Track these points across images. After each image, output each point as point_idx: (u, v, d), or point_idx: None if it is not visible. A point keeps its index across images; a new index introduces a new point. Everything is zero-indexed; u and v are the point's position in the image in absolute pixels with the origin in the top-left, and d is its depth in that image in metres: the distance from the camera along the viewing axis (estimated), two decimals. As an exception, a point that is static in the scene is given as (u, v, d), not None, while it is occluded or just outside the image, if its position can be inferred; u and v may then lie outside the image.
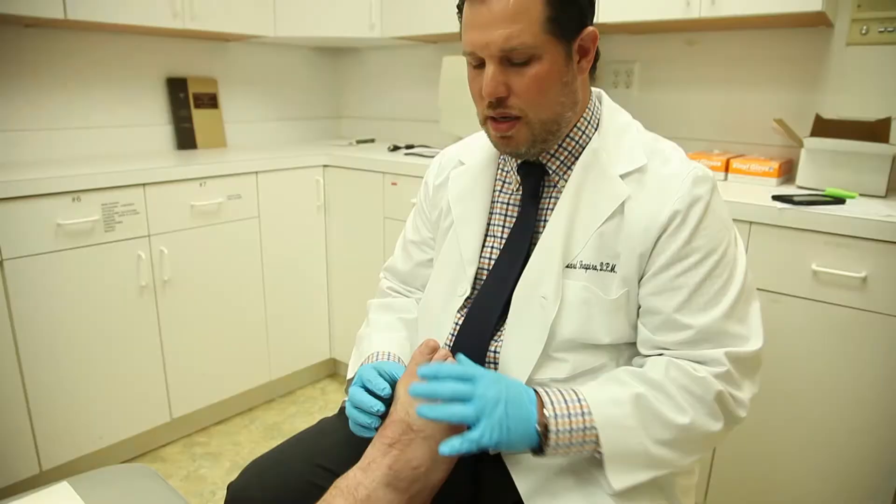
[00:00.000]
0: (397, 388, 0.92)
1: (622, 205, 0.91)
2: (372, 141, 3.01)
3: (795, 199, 1.56)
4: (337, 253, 2.61)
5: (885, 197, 1.68)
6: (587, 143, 0.97)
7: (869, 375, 1.45)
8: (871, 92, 1.87)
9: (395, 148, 2.67)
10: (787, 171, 1.96)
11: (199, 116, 2.69)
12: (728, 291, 0.89)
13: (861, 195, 1.67)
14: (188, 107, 2.65)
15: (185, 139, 2.64)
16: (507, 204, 1.04)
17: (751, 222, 1.56)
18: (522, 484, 0.91)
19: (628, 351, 0.96)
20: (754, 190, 1.76)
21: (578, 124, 0.97)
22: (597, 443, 0.83)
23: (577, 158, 0.97)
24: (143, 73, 2.50)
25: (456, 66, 2.28)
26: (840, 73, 1.91)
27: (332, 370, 2.82)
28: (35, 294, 1.78)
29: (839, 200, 1.57)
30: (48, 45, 2.23)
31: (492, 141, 0.97)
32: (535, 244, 0.97)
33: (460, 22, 0.93)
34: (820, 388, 1.53)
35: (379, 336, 1.08)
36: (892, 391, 1.43)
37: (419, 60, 2.90)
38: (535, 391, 0.86)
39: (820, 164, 1.77)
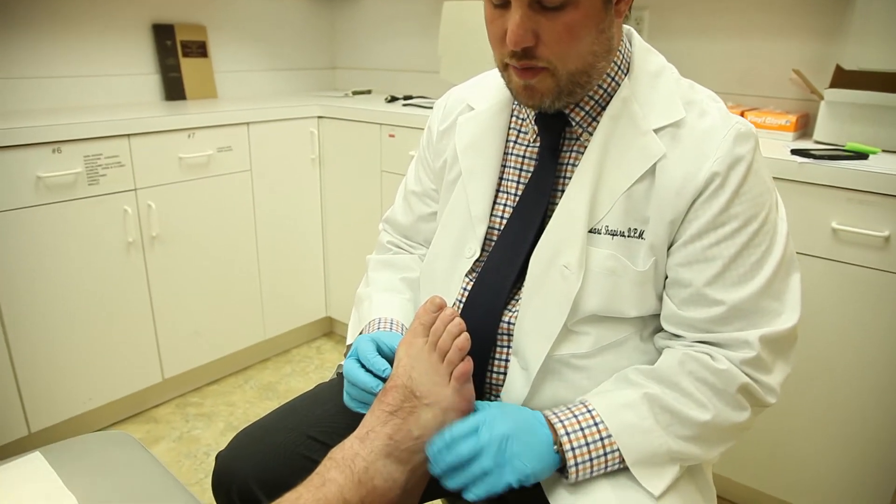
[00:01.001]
0: (398, 351, 0.83)
1: (654, 164, 0.80)
2: (368, 92, 2.90)
3: (815, 153, 1.48)
4: (332, 208, 2.52)
5: (908, 152, 1.60)
6: (616, 91, 0.85)
7: (890, 339, 1.40)
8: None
9: (393, 99, 2.56)
10: (804, 126, 1.87)
11: (188, 65, 2.57)
12: (766, 263, 0.79)
13: (883, 151, 1.59)
14: (176, 55, 2.52)
15: (174, 89, 2.52)
16: (523, 157, 0.92)
17: (768, 178, 1.48)
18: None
19: (654, 323, 0.87)
20: (770, 145, 1.68)
21: (609, 71, 0.84)
22: (618, 451, 0.77)
23: (603, 108, 0.85)
24: (126, 19, 2.37)
25: (457, 13, 2.16)
26: (864, 21, 1.80)
27: (329, 329, 2.77)
28: (15, 251, 1.71)
29: (861, 155, 1.49)
30: (24, -13, 2.10)
31: (511, 90, 0.84)
32: (553, 204, 0.87)
33: None
34: (838, 352, 1.47)
35: (380, 298, 1.01)
36: (911, 355, 1.38)
37: (418, 7, 2.77)
38: (543, 414, 0.80)
39: (840, 117, 1.68)
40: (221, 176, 2.16)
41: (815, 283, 1.46)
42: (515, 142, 0.93)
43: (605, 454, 0.77)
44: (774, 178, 1.44)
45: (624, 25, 0.87)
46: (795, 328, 0.82)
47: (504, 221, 0.92)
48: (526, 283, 0.86)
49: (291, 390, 2.28)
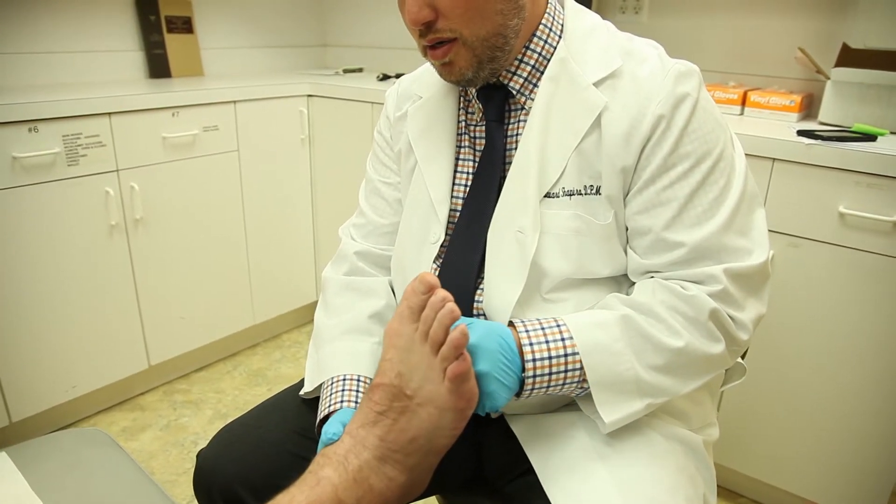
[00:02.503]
0: (384, 340, 0.75)
1: (599, 116, 0.79)
2: (360, 70, 2.82)
3: (823, 134, 1.43)
4: (323, 189, 2.46)
5: (917, 134, 1.55)
6: (552, 54, 0.83)
7: None
8: (905, 18, 1.70)
9: (385, 77, 2.49)
10: (809, 106, 1.82)
11: (173, 42, 2.48)
12: (726, 200, 0.77)
13: (892, 132, 1.54)
14: (160, 31, 2.44)
15: (158, 67, 2.44)
16: (475, 137, 0.90)
17: (773, 159, 1.43)
18: (536, 457, 0.80)
19: (629, 283, 0.85)
20: (774, 125, 1.62)
21: (538, 33, 0.83)
22: (580, 370, 0.72)
23: (542, 73, 0.83)
24: (108, -8, 2.28)
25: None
26: (872, -4, 1.74)
27: (320, 313, 2.72)
28: (-7, 234, 1.64)
29: (870, 137, 1.43)
30: (-1, -42, 2.01)
31: (437, 72, 0.83)
32: (505, 176, 0.85)
33: None
34: (844, 339, 1.43)
35: (343, 347, 0.92)
36: (918, 343, 1.34)
37: (410, -18, 2.68)
38: (511, 322, 0.76)
39: (847, 97, 1.63)
40: (207, 156, 2.09)
41: (822, 269, 1.42)
42: (466, 122, 0.91)
43: (567, 370, 0.73)
44: (781, 160, 1.41)
45: None
46: (766, 264, 0.79)
47: (461, 202, 0.89)
48: (486, 255, 0.84)
49: (281, 377, 2.23)
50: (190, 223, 2.09)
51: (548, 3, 0.85)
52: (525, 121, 0.85)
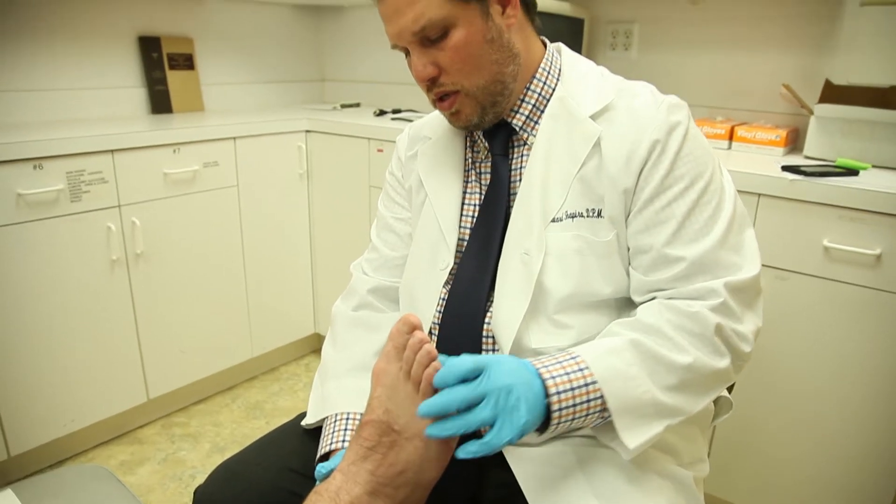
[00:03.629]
0: (372, 379, 0.78)
1: (598, 144, 0.86)
2: (357, 105, 2.88)
3: (807, 169, 1.47)
4: (321, 223, 2.49)
5: (898, 168, 1.59)
6: (551, 94, 0.92)
7: (882, 358, 1.38)
8: (885, 56, 1.75)
9: (382, 112, 2.54)
10: (794, 141, 1.86)
11: (175, 78, 2.54)
12: (719, 218, 0.83)
13: (874, 166, 1.58)
14: (162, 68, 2.50)
15: (160, 103, 2.49)
16: (480, 173, 0.97)
17: (759, 194, 1.47)
18: (526, 481, 0.82)
19: (631, 309, 0.89)
20: (760, 160, 1.67)
21: (538, 76, 0.92)
22: (601, 398, 0.74)
23: (542, 111, 0.92)
24: (112, 31, 2.34)
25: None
26: (852, 35, 1.79)
27: (317, 345, 2.74)
28: (-4, 270, 1.67)
29: (852, 172, 1.47)
30: (6, 1, 2.06)
31: (447, 120, 0.94)
32: (511, 207, 0.92)
33: None
34: (830, 371, 1.45)
35: (350, 384, 0.95)
36: (904, 374, 1.36)
37: (406, 20, 2.75)
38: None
39: (830, 132, 1.68)
40: (208, 191, 2.13)
41: (807, 301, 1.45)
42: (472, 160, 0.99)
43: (589, 400, 0.74)
44: (766, 195, 1.45)
45: (552, 42, 0.98)
46: (757, 277, 0.84)
47: (468, 233, 0.95)
48: (497, 280, 0.89)
49: (279, 409, 2.25)
50: (190, 257, 2.12)
51: (546, 48, 0.95)
52: (528, 155, 0.92)
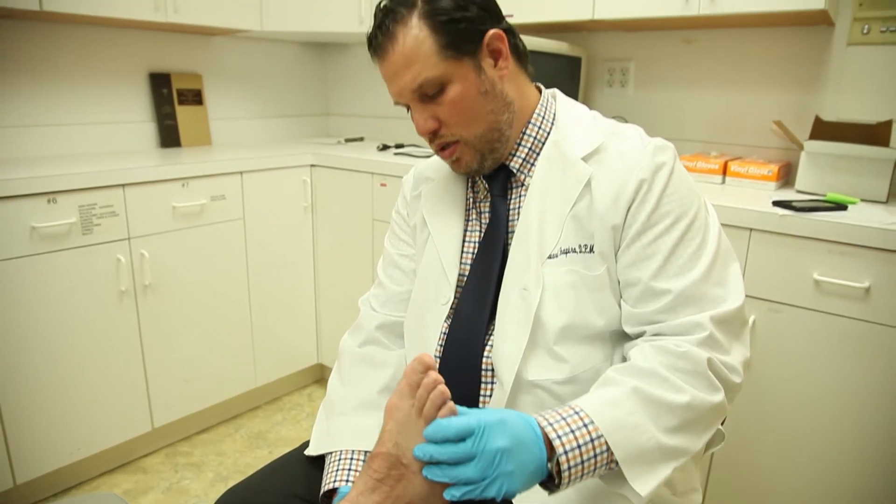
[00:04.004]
0: (385, 413, 0.83)
1: (588, 184, 0.91)
2: (361, 139, 2.95)
3: (796, 204, 1.51)
4: (324, 256, 2.54)
5: (886, 202, 1.64)
6: (546, 138, 0.98)
7: (871, 388, 1.41)
8: (872, 93, 1.82)
9: (385, 147, 2.61)
10: (786, 175, 1.91)
11: (184, 113, 2.61)
12: (703, 254, 0.88)
13: (862, 200, 1.63)
14: (172, 103, 2.57)
15: (169, 137, 2.56)
16: (481, 212, 1.03)
17: (751, 229, 1.51)
18: None
19: (622, 344, 0.93)
20: (753, 194, 1.71)
21: (533, 121, 0.98)
22: (608, 451, 0.76)
23: (538, 154, 0.98)
24: (124, 68, 2.42)
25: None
26: (840, 73, 1.86)
27: (320, 375, 2.76)
28: (8, 300, 1.71)
29: (841, 206, 1.52)
30: (23, 38, 2.15)
31: (450, 167, 1.00)
32: (509, 244, 0.97)
33: None
34: (821, 401, 1.48)
35: (356, 423, 0.99)
36: (894, 404, 1.39)
37: (409, 57, 2.83)
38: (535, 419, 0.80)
39: (820, 167, 1.73)
40: (215, 224, 2.18)
41: (799, 333, 1.48)
42: (473, 199, 1.05)
43: (596, 455, 0.76)
44: (758, 230, 1.50)
45: (547, 88, 1.03)
46: (742, 308, 0.88)
47: (468, 268, 1.00)
48: (497, 315, 0.93)
49: (282, 439, 2.27)
50: (196, 288, 2.16)
51: (541, 94, 1.01)
52: (524, 196, 0.97)
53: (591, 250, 0.91)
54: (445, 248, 1.02)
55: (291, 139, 3.04)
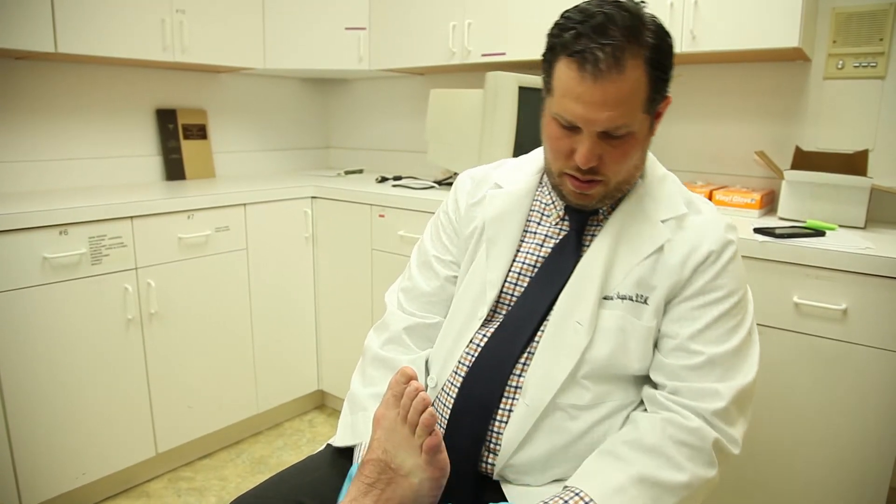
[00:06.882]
0: (373, 423, 0.90)
1: (661, 248, 0.98)
2: (360, 171, 3.03)
3: (777, 231, 1.58)
4: (325, 285, 2.61)
5: (864, 228, 1.71)
6: (632, 188, 1.04)
7: (851, 406, 1.46)
8: (848, 124, 1.91)
9: (383, 179, 2.69)
10: (769, 203, 1.99)
11: (189, 147, 2.70)
12: (739, 330, 0.96)
13: (841, 226, 1.70)
14: (177, 138, 2.67)
15: (174, 170, 2.65)
16: (545, 236, 1.07)
17: (733, 255, 1.57)
18: None
19: (644, 385, 1.00)
20: (737, 222, 1.76)
21: None
22: None
23: (621, 200, 1.03)
24: (132, 105, 2.52)
25: (443, 101, 2.30)
26: (819, 106, 1.95)
27: (320, 402, 2.80)
28: (20, 328, 1.77)
29: (819, 233, 1.59)
30: (38, 78, 2.25)
31: (563, 193, 1.01)
32: (572, 273, 1.02)
33: (548, 74, 0.94)
34: (803, 420, 1.53)
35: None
36: (873, 422, 1.44)
37: (407, 92, 2.94)
38: None
39: (800, 195, 1.80)
40: (219, 254, 2.25)
41: (780, 354, 1.54)
42: (538, 223, 1.09)
43: None
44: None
45: None
46: (754, 383, 0.97)
47: (517, 288, 1.05)
48: (543, 338, 0.98)
49: (283, 464, 2.30)
50: (201, 317, 2.23)
51: None
52: (596, 235, 1.02)
53: (646, 302, 0.97)
54: (494, 263, 1.06)
55: (293, 172, 3.13)
